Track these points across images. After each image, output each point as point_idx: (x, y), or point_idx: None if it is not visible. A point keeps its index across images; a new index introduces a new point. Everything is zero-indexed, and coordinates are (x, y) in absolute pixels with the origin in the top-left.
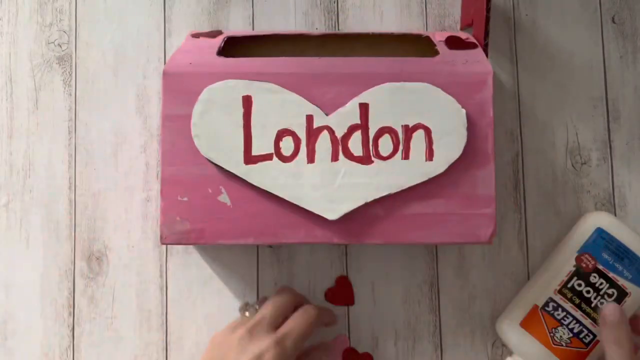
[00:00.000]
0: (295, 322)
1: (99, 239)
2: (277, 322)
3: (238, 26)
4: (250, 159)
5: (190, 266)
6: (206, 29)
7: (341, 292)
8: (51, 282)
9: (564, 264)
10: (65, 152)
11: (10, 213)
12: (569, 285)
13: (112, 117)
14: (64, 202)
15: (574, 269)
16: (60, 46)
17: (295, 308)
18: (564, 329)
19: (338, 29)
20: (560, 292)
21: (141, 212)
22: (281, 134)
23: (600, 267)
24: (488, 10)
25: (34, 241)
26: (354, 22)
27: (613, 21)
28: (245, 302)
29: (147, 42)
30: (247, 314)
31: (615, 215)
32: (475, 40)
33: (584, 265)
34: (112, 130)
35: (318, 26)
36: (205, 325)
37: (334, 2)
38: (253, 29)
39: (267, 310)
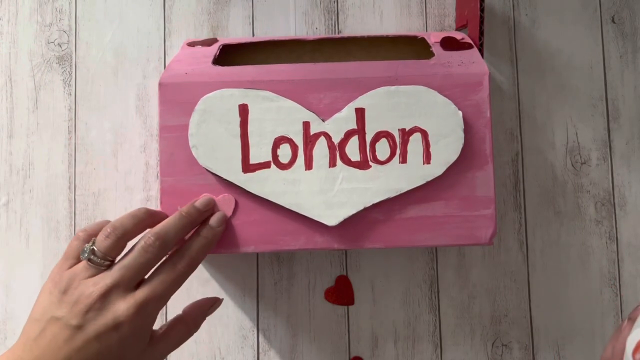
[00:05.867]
0: (158, 282)
1: None
2: (137, 279)
3: (238, 26)
4: (248, 167)
5: None
6: (206, 29)
7: (341, 292)
8: None
9: None
10: (65, 152)
11: (10, 213)
12: None
13: (112, 117)
14: (63, 202)
15: None
16: (60, 46)
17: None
18: None
19: (338, 29)
20: None
21: None
22: (278, 142)
23: None
24: (482, 10)
25: (34, 241)
26: (354, 22)
27: (613, 21)
28: (92, 241)
29: (147, 41)
30: (90, 257)
31: (615, 214)
32: (470, 41)
33: None
34: (112, 130)
35: (318, 26)
36: (205, 324)
37: (334, 2)
38: (253, 29)
39: (130, 259)
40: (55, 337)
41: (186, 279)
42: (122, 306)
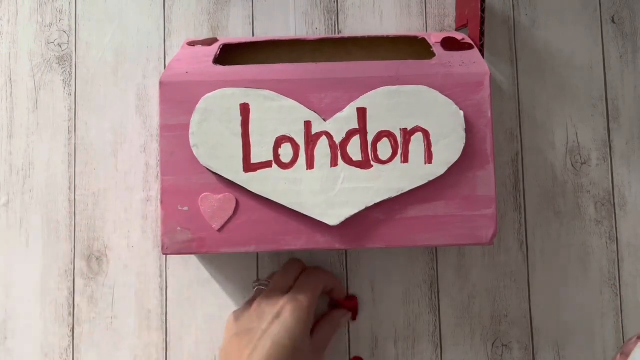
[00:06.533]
0: (303, 281)
1: (99, 238)
2: (288, 286)
3: (238, 26)
4: (249, 166)
5: (190, 266)
6: (206, 29)
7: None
8: (51, 282)
9: None
10: (65, 152)
11: (10, 213)
12: None
13: (112, 117)
14: (64, 202)
15: None
16: (60, 46)
17: None
18: None
19: (338, 29)
20: None
21: (141, 212)
22: (280, 141)
23: None
24: (483, 10)
25: (34, 241)
26: (354, 22)
27: (613, 21)
28: (256, 278)
29: (147, 42)
30: (258, 286)
31: (615, 214)
32: (471, 41)
33: None
34: (112, 130)
35: (318, 26)
36: (205, 325)
37: (334, 2)
38: (253, 29)
39: (277, 277)
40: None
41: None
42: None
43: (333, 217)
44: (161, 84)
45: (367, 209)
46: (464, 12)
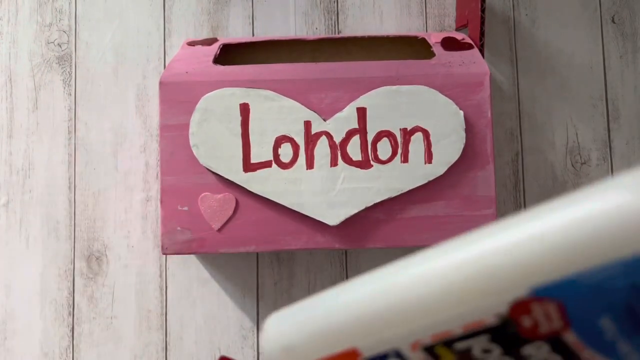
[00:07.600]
0: None
1: (99, 238)
2: None
3: (238, 26)
4: (249, 166)
5: (189, 266)
6: (206, 29)
7: None
8: (51, 282)
9: (478, 299)
10: (65, 152)
11: (10, 213)
12: (457, 346)
13: (112, 117)
14: (63, 202)
15: (495, 320)
16: (60, 46)
17: None
18: None
19: (338, 29)
20: (428, 350)
21: (141, 212)
22: (280, 141)
23: (573, 335)
24: (483, 10)
25: (34, 241)
26: (354, 22)
27: (613, 21)
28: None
29: (147, 42)
30: None
31: None
32: (471, 41)
33: (526, 323)
34: (112, 130)
35: (318, 26)
36: (205, 325)
37: (334, 2)
38: (253, 29)
39: None
40: None
41: None
42: None
43: (333, 217)
44: (161, 83)
45: (367, 209)
46: (464, 12)
